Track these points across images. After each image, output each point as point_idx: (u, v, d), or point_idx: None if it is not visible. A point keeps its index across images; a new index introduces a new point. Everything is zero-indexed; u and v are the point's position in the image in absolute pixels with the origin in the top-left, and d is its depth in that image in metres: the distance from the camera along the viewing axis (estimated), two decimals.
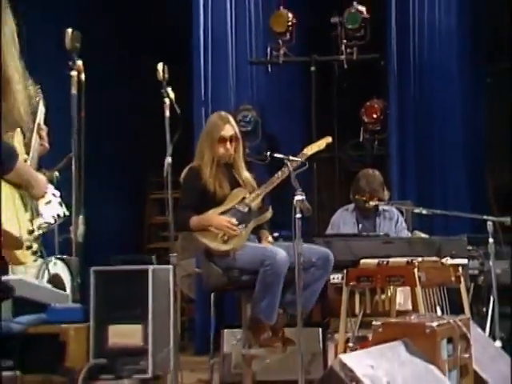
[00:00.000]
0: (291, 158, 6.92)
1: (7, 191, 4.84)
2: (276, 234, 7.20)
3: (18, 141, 5.01)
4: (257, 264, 6.76)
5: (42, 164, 5.30)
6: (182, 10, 10.55)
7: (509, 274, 7.84)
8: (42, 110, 5.69)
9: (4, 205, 4.61)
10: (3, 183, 4.74)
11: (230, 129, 7.22)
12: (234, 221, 6.93)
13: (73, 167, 5.27)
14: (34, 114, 5.30)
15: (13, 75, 4.86)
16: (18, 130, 5.02)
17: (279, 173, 7.02)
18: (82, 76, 5.27)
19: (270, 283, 6.66)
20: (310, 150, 7.17)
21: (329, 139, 7.45)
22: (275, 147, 7.41)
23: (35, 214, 5.01)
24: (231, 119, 7.36)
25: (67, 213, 5.25)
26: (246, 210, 7.05)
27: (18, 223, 4.80)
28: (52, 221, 5.03)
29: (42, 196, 4.96)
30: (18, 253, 4.82)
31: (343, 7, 10.20)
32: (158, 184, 9.97)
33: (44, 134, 5.53)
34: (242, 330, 7.14)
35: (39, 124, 5.53)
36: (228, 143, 7.19)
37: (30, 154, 5.08)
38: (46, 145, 5.48)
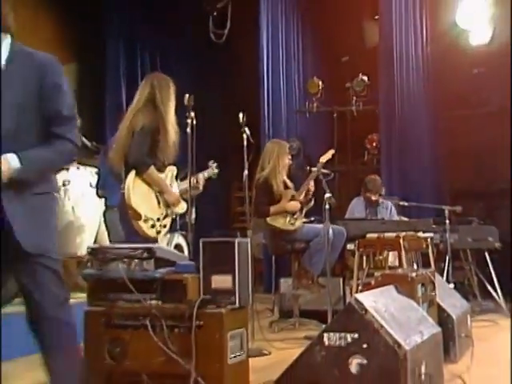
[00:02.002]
0: (322, 170, 6.84)
1: (146, 187, 5.02)
2: (312, 218, 7.17)
3: (172, 173, 5.12)
4: (311, 237, 6.83)
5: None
6: (252, 80, 10.35)
7: (459, 242, 7.77)
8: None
9: (142, 195, 4.79)
10: (145, 183, 4.85)
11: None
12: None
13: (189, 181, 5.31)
14: None
15: (170, 120, 4.93)
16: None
17: (311, 179, 7.02)
18: (194, 121, 5.36)
19: (319, 249, 6.68)
20: (324, 158, 7.09)
21: (332, 151, 7.35)
22: (311, 164, 7.42)
23: (166, 209, 5.06)
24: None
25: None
26: None
27: (147, 209, 4.85)
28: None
29: (173, 204, 5.02)
30: (145, 229, 4.89)
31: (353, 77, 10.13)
32: (239, 187, 9.98)
33: (201, 182, 5.67)
34: (291, 278, 7.10)
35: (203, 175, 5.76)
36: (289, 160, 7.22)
37: (179, 184, 5.18)
38: (200, 188, 5.66)
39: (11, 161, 2.83)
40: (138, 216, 4.87)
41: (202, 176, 5.69)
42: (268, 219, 6.92)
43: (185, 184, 5.38)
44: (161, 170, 5.08)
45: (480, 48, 9.73)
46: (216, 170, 5.98)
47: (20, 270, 3.00)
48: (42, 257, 2.96)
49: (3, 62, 2.92)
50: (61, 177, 6.58)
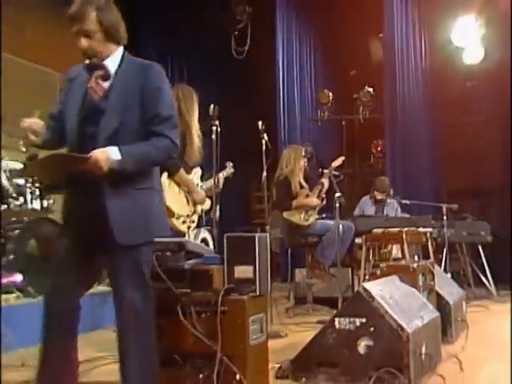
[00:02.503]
0: (333, 172, 6.85)
1: (177, 188, 5.00)
2: (324, 215, 7.14)
3: (197, 175, 5.12)
4: (323, 231, 6.86)
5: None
6: (269, 91, 10.37)
7: (455, 236, 7.80)
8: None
9: (174, 195, 4.81)
10: (175, 183, 4.86)
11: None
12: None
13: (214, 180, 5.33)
14: None
15: (194, 127, 4.93)
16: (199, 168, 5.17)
17: (323, 180, 7.04)
18: (218, 129, 5.36)
19: (330, 242, 6.73)
20: (335, 163, 7.17)
21: (343, 158, 7.40)
22: (323, 166, 7.40)
23: (193, 206, 5.07)
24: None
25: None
26: None
27: (179, 207, 4.86)
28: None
29: (200, 202, 5.04)
30: (177, 225, 4.89)
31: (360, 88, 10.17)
32: (258, 187, 9.96)
33: (221, 181, 5.68)
34: (305, 268, 7.12)
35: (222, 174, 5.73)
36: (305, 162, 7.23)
37: (202, 184, 5.19)
38: (220, 186, 5.64)
39: (111, 152, 2.83)
40: (172, 214, 4.86)
41: (222, 175, 5.68)
42: (285, 214, 6.92)
43: (208, 183, 5.41)
44: (188, 171, 5.09)
45: (473, 64, 9.79)
46: (232, 170, 5.95)
47: (109, 257, 3.02)
48: (132, 248, 2.96)
49: (114, 68, 2.99)
50: None
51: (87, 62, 2.98)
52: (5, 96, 7.84)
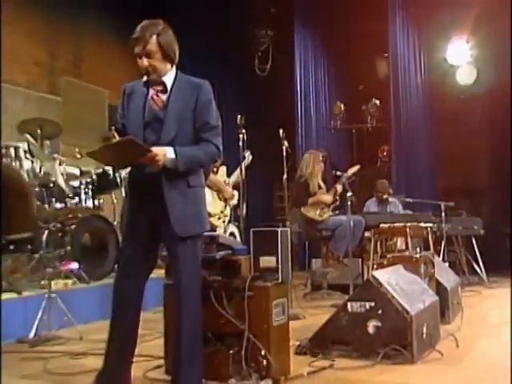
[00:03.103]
0: (344, 174, 6.84)
1: (209, 190, 4.95)
2: (337, 212, 7.12)
3: (222, 172, 5.13)
4: (336, 226, 6.83)
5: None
6: (289, 104, 10.35)
7: (451, 230, 7.94)
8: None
9: (208, 198, 4.82)
10: (207, 186, 4.95)
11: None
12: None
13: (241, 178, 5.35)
14: None
15: None
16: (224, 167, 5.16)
17: (338, 185, 7.02)
18: (245, 136, 5.38)
19: (342, 235, 6.71)
20: (351, 170, 7.18)
21: (358, 166, 7.41)
22: (336, 169, 7.37)
23: (225, 202, 5.08)
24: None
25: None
26: None
27: (213, 207, 4.88)
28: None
29: (230, 198, 5.04)
30: (214, 222, 4.91)
31: (368, 101, 10.14)
32: (279, 188, 9.94)
33: (243, 171, 5.67)
34: (321, 259, 7.10)
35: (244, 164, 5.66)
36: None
37: (229, 180, 5.18)
38: (243, 176, 5.61)
39: (168, 151, 2.93)
40: (208, 214, 4.91)
41: (244, 165, 5.64)
42: (303, 210, 6.89)
43: (233, 177, 5.40)
44: (215, 172, 5.11)
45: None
46: (250, 157, 5.89)
47: (169, 247, 3.09)
48: (188, 239, 3.02)
49: (170, 84, 3.08)
50: None
51: (145, 78, 3.03)
52: (65, 109, 8.05)
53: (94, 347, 4.11)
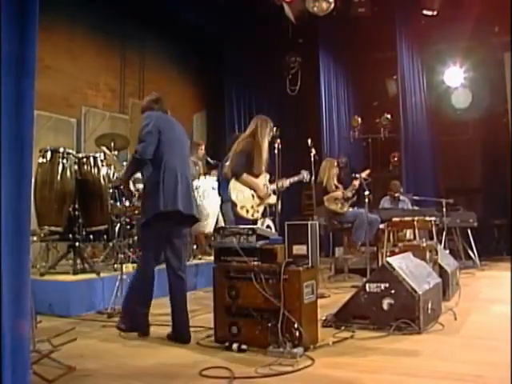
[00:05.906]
0: (358, 175, 6.78)
1: (243, 187, 4.88)
2: (356, 207, 7.05)
3: (264, 176, 5.02)
4: (354, 217, 6.77)
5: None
6: (315, 118, 10.22)
7: (451, 222, 7.98)
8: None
9: (239, 191, 4.77)
10: (241, 184, 4.91)
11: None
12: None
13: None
14: None
15: (264, 147, 4.85)
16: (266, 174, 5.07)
17: (355, 182, 6.93)
18: (279, 145, 5.32)
19: (361, 225, 6.62)
20: (363, 174, 7.06)
21: (369, 170, 7.31)
22: (355, 172, 7.31)
23: (259, 200, 4.96)
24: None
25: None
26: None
27: (243, 200, 4.78)
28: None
29: (263, 197, 4.92)
30: (239, 211, 4.85)
31: (381, 115, 10.04)
32: (308, 188, 9.85)
33: (285, 184, 5.45)
34: (342, 247, 6.99)
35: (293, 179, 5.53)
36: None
37: (269, 185, 5.08)
38: (284, 186, 5.45)
39: None
40: (235, 204, 4.82)
41: (288, 181, 5.43)
42: (326, 204, 6.85)
43: (273, 186, 5.35)
44: (257, 176, 5.03)
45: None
46: (307, 176, 5.76)
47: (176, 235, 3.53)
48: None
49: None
50: (195, 183, 6.59)
51: None
52: (132, 126, 8.19)
53: (157, 319, 4.12)
